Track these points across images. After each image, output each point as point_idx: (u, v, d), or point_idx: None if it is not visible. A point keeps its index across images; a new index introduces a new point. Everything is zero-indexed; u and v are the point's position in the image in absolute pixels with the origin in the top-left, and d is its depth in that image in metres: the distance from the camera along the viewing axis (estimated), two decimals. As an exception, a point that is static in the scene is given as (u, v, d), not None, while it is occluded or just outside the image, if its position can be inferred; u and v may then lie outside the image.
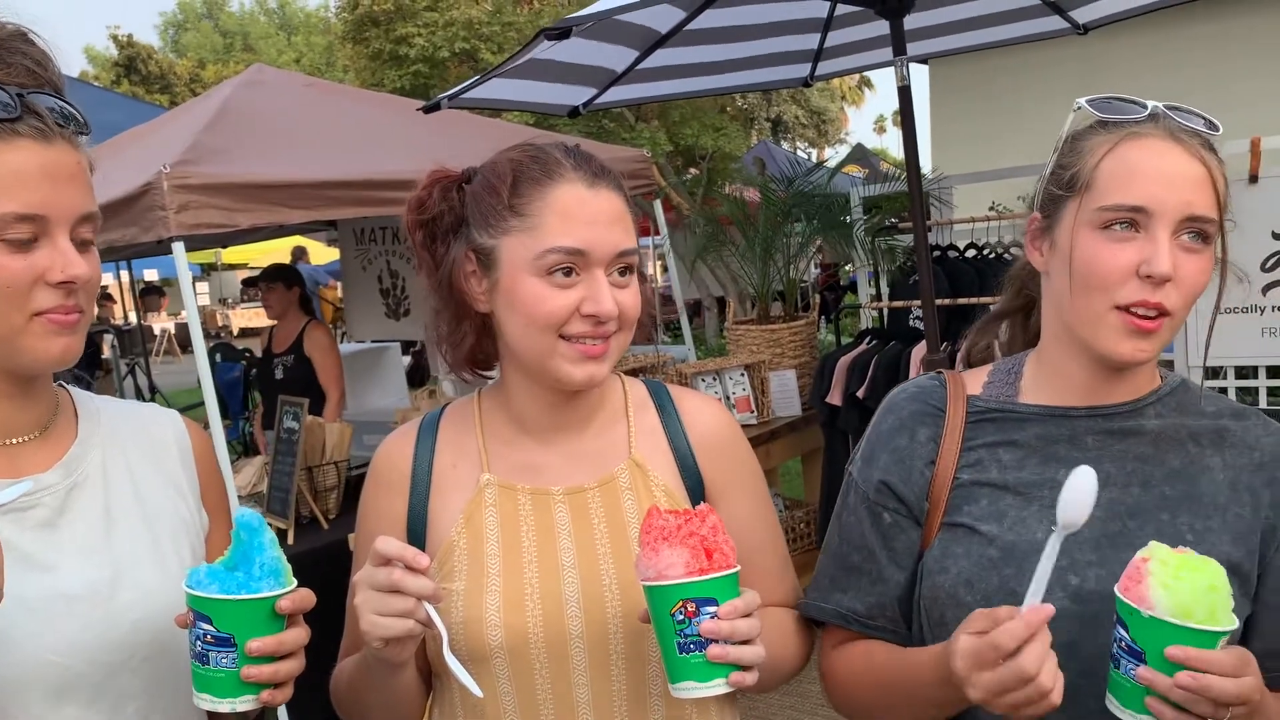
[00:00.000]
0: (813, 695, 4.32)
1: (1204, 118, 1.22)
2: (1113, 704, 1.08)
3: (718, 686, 1.11)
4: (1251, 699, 1.04)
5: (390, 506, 1.39)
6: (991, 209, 5.03)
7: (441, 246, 1.35)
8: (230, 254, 19.17)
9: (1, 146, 1.03)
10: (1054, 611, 1.04)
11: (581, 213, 1.28)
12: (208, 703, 1.06)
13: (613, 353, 1.31)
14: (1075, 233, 1.21)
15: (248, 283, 5.34)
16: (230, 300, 26.30)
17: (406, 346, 9.69)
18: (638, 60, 3.89)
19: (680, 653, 1.11)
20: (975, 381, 1.38)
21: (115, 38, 34.66)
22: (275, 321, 5.78)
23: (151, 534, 1.21)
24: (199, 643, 1.05)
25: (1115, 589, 1.07)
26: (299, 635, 1.10)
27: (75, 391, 1.26)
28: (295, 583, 1.09)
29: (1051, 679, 1.03)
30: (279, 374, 5.64)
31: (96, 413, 1.25)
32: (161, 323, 20.31)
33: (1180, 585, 1.03)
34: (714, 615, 1.09)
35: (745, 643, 1.12)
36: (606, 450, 1.39)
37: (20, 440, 1.15)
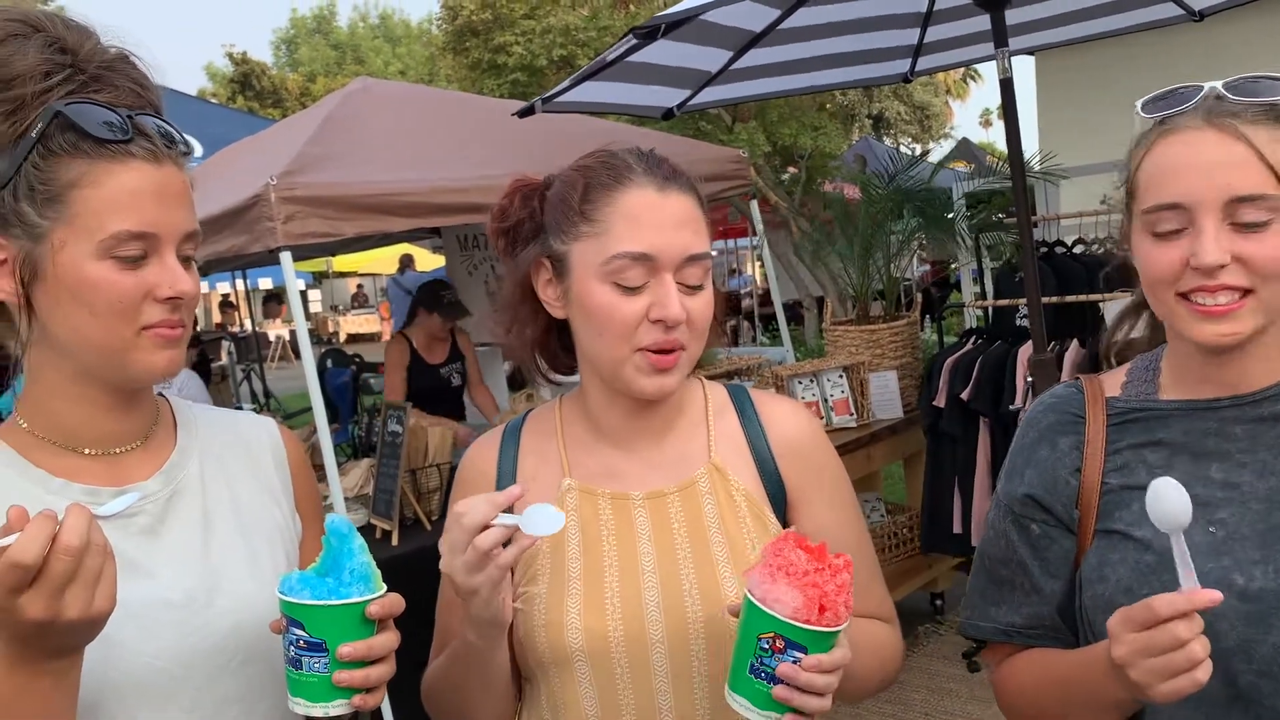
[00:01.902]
0: (915, 704, 4.24)
1: (1272, 79, 1.17)
2: None
3: (770, 719, 1.10)
4: None
5: None
6: (1102, 203, 4.86)
7: (522, 253, 1.36)
8: (340, 262, 19.73)
9: (116, 167, 1.07)
10: (1220, 598, 1.02)
11: (649, 217, 1.27)
12: (302, 707, 1.08)
13: (684, 364, 1.31)
14: (1135, 239, 1.23)
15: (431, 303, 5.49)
16: (341, 307, 27.08)
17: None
18: (731, 60, 3.87)
19: (750, 672, 1.09)
20: (1114, 382, 1.34)
21: (231, 55, 36.01)
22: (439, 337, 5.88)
23: (247, 541, 1.23)
24: (292, 648, 1.07)
25: None
26: (389, 640, 1.11)
27: (174, 400, 1.30)
28: (385, 588, 1.10)
29: (1204, 650, 1.01)
30: (455, 381, 5.83)
31: (194, 421, 1.29)
32: (277, 329, 21.03)
33: None
34: (797, 661, 1.07)
35: (815, 694, 1.09)
36: (686, 455, 1.38)
37: (123, 450, 1.19)
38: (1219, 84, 1.18)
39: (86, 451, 1.16)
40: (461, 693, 1.33)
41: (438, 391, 5.71)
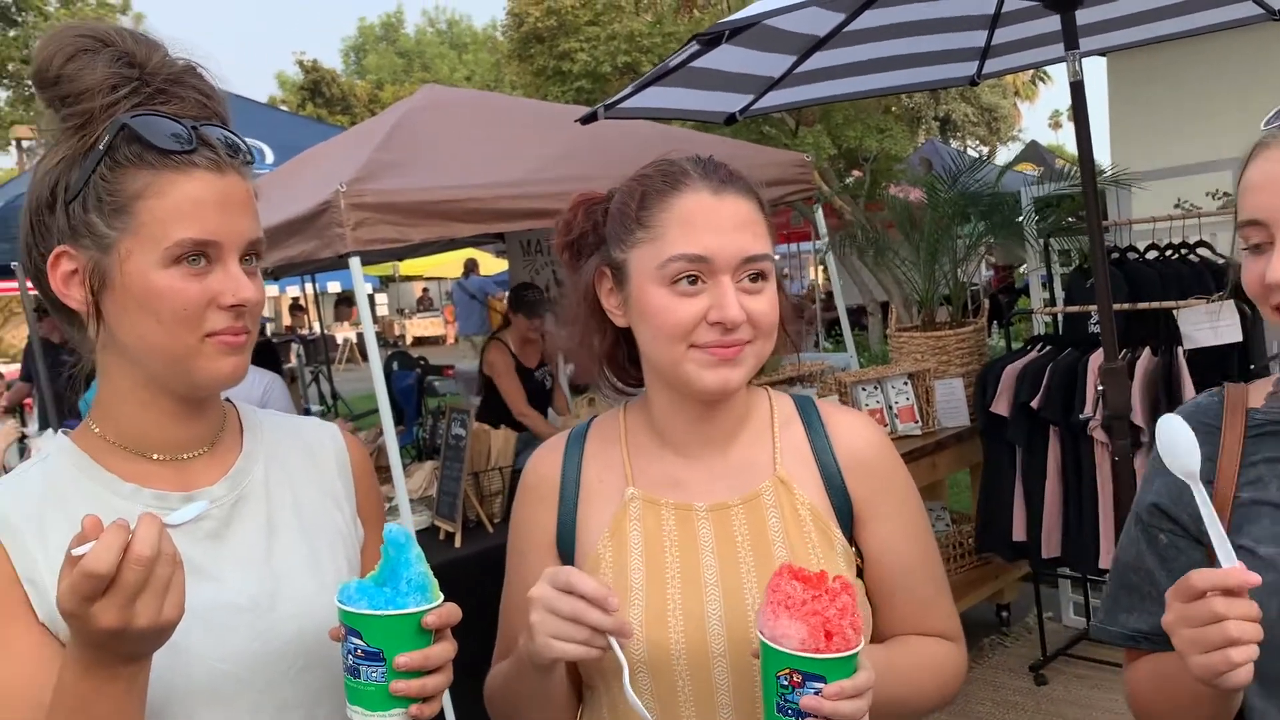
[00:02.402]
0: (980, 717, 4.17)
1: None
2: None
3: None
4: None
5: (540, 517, 1.41)
6: (1176, 206, 4.74)
7: (585, 264, 1.37)
8: (406, 266, 20.02)
9: (180, 177, 1.09)
10: (1256, 580, 1.03)
11: (705, 220, 1.26)
12: (360, 715, 1.08)
13: (748, 358, 1.28)
14: (1238, 253, 1.22)
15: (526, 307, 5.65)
16: (406, 310, 27.46)
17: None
18: (795, 64, 3.85)
19: (777, 711, 1.09)
20: (1260, 393, 1.31)
21: (301, 63, 36.69)
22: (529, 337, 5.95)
23: (310, 546, 1.25)
24: (350, 656, 1.08)
25: None
26: (446, 650, 1.11)
27: (240, 406, 1.31)
28: (442, 597, 1.11)
29: (1241, 632, 1.01)
30: (548, 384, 5.91)
31: (259, 426, 1.30)
32: (345, 332, 21.39)
33: None
34: (819, 692, 1.06)
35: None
36: (751, 466, 1.37)
37: (190, 455, 1.21)
38: None
39: (155, 456, 1.18)
40: (521, 703, 1.35)
41: (534, 395, 5.80)
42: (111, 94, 1.09)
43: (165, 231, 1.08)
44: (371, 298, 22.28)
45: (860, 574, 1.37)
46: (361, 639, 1.07)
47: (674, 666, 1.28)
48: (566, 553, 1.38)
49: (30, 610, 1.06)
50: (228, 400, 1.30)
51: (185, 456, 1.20)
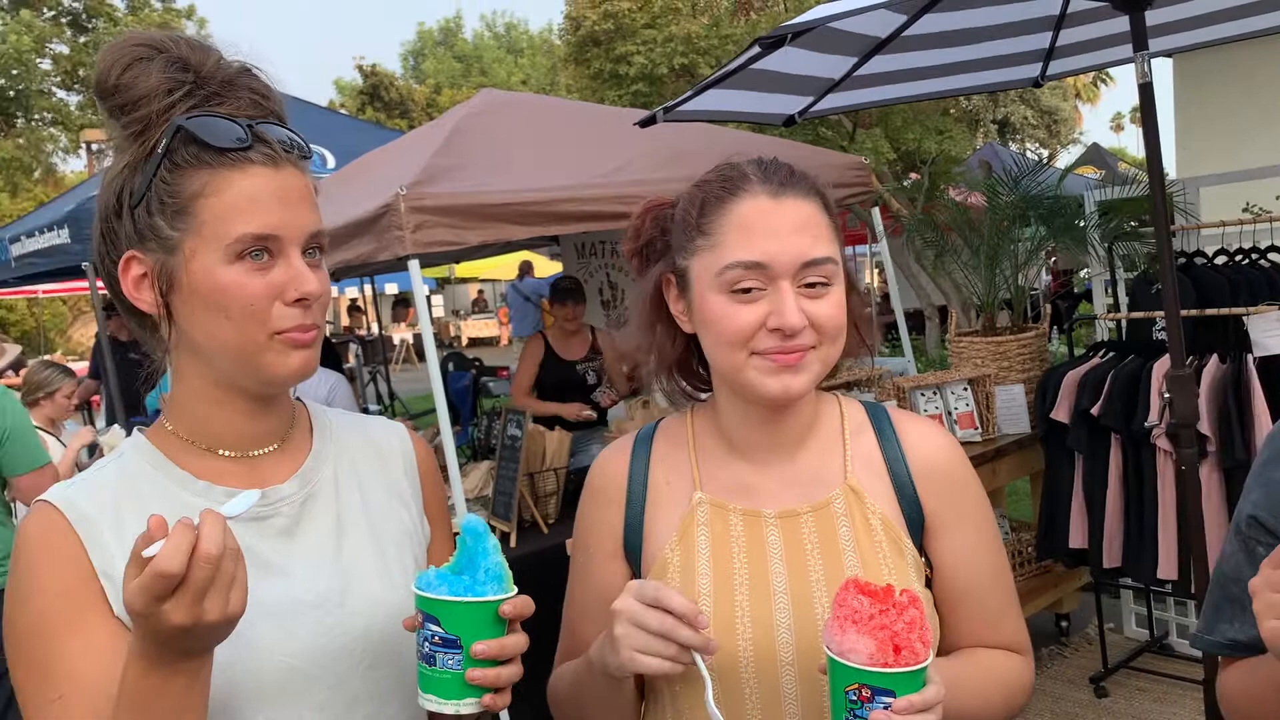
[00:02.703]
0: (1040, 728, 4.11)
1: None
2: None
3: None
4: None
5: (608, 519, 1.41)
6: (1246, 210, 4.63)
7: (650, 271, 1.37)
8: (462, 268, 20.20)
9: (237, 174, 1.10)
10: None
11: (763, 225, 1.25)
12: (433, 703, 1.09)
13: (812, 364, 1.26)
14: None
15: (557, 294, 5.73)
16: (462, 312, 27.72)
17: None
18: (855, 67, 3.83)
19: None
20: None
21: (360, 67, 37.23)
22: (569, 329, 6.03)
23: (377, 544, 1.26)
24: (426, 644, 1.09)
25: None
26: (520, 641, 1.12)
27: (310, 405, 1.33)
28: (516, 589, 1.12)
29: None
30: (591, 378, 5.92)
31: (329, 426, 1.32)
32: (401, 333, 21.65)
33: None
34: (888, 706, 1.05)
35: None
36: (821, 474, 1.36)
37: (261, 452, 1.23)
38: None
39: (226, 454, 1.21)
40: (590, 707, 1.36)
41: (568, 384, 5.83)
42: (167, 98, 1.11)
43: (226, 228, 1.10)
44: (428, 299, 22.52)
45: (929, 584, 1.35)
46: (440, 625, 1.08)
47: (741, 674, 1.27)
48: (633, 555, 1.38)
49: (106, 603, 1.09)
50: (298, 399, 1.32)
51: (256, 453, 1.22)
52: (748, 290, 1.24)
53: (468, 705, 1.09)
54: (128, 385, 6.91)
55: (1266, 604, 1.03)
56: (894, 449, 1.37)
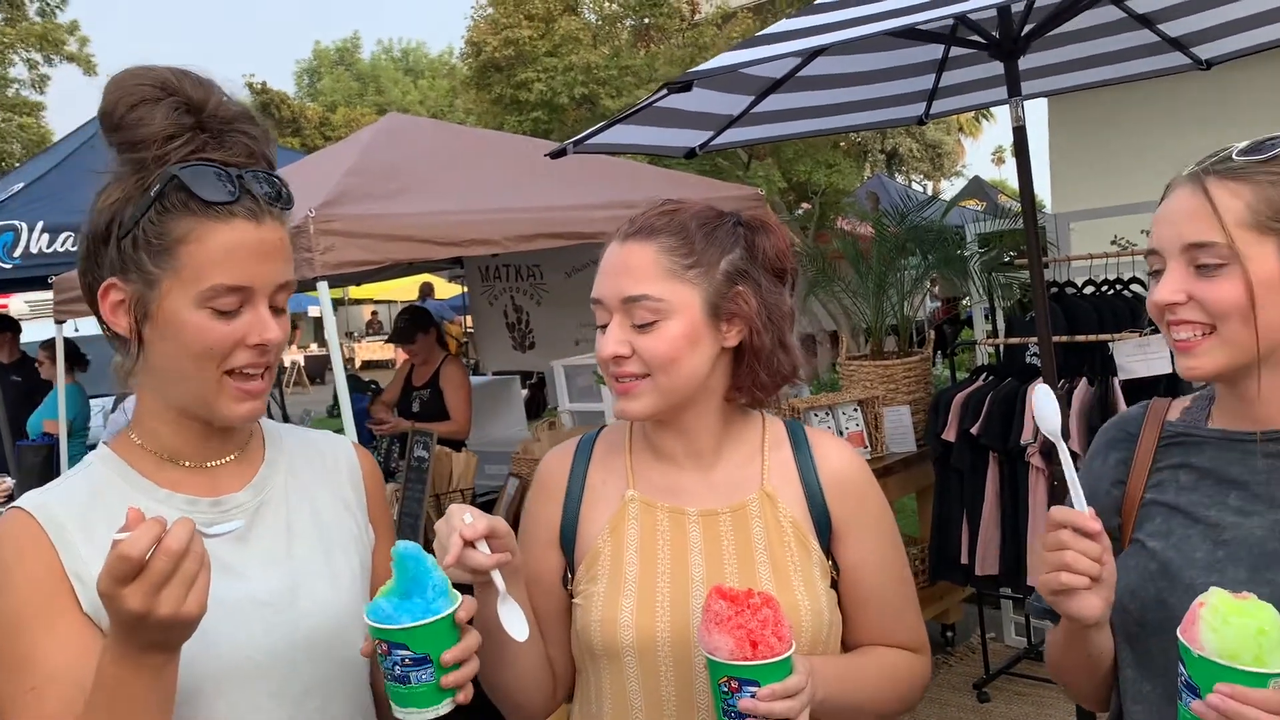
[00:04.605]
0: (927, 731, 4.30)
1: (1248, 147, 1.30)
2: None
3: None
4: None
5: (547, 512, 1.55)
6: (1113, 243, 4.95)
7: None
8: (357, 290, 19.90)
9: (220, 226, 1.19)
10: (1092, 524, 1.18)
11: (607, 265, 1.48)
12: (414, 715, 1.18)
13: (645, 392, 1.43)
14: None
15: (397, 336, 5.72)
16: (356, 334, 27.24)
17: (524, 379, 9.96)
18: (752, 104, 4.01)
19: (724, 714, 1.24)
20: (1178, 407, 1.47)
21: (250, 85, 36.46)
22: (414, 361, 6.12)
23: (325, 548, 1.36)
24: (397, 667, 1.17)
25: (1177, 630, 1.15)
26: (476, 637, 1.23)
27: (263, 420, 1.42)
28: (460, 594, 1.22)
29: (1074, 560, 1.17)
30: (416, 407, 5.96)
31: (279, 438, 1.42)
32: (293, 355, 21.20)
33: (1227, 629, 1.09)
34: (754, 695, 1.20)
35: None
36: (741, 480, 1.51)
37: (218, 463, 1.32)
38: (1236, 145, 1.32)
39: (185, 464, 1.30)
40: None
41: (403, 406, 6.05)
42: (165, 145, 1.19)
43: (202, 276, 1.18)
44: (319, 320, 22.13)
45: (834, 585, 1.50)
46: (408, 649, 1.16)
47: (658, 652, 1.41)
48: (568, 546, 1.51)
49: (77, 603, 1.16)
50: None
51: (212, 464, 1.31)
52: (602, 321, 1.45)
53: (445, 706, 1.19)
54: (11, 408, 6.70)
55: (1039, 559, 1.21)
56: (807, 461, 1.53)
